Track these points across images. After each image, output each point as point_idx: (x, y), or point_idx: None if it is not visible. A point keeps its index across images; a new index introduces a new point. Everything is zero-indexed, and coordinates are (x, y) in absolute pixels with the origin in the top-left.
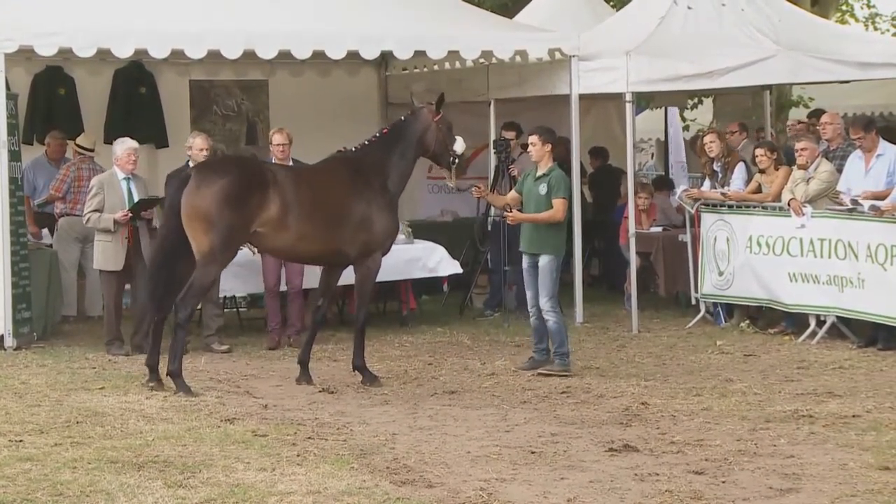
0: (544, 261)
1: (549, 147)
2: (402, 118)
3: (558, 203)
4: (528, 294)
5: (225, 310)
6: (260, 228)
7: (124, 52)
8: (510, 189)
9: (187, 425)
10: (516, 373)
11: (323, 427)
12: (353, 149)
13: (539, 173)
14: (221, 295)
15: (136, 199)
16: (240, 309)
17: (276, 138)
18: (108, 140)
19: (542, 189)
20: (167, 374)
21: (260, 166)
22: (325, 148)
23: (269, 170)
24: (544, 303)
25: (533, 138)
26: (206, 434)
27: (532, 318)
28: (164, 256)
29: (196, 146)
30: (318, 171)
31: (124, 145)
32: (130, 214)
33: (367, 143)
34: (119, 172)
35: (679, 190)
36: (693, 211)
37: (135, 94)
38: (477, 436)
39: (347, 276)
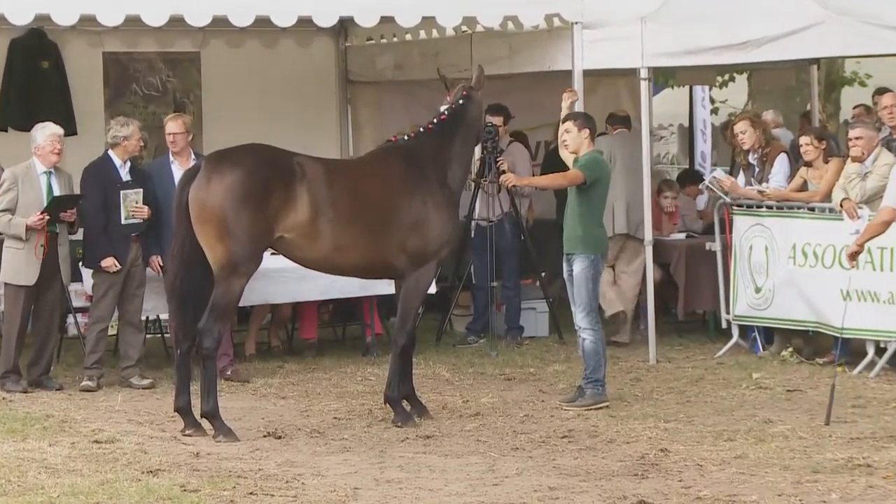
0: (579, 265)
1: (586, 133)
2: (460, 101)
3: (571, 172)
4: (572, 306)
5: (147, 335)
6: (286, 234)
7: (22, 18)
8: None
9: (100, 478)
10: (505, 413)
11: (268, 480)
12: (406, 137)
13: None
14: (143, 316)
15: None
16: (165, 334)
17: (170, 126)
18: (2, 126)
19: None
20: (202, 416)
21: (285, 157)
22: (267, 135)
23: (297, 162)
24: (580, 318)
25: (567, 125)
26: (124, 489)
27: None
28: (185, 272)
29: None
30: (361, 165)
31: (46, 131)
32: (47, 217)
33: (422, 130)
34: (38, 165)
35: (709, 175)
36: (725, 198)
37: (35, 70)
38: (458, 490)
39: (296, 294)
